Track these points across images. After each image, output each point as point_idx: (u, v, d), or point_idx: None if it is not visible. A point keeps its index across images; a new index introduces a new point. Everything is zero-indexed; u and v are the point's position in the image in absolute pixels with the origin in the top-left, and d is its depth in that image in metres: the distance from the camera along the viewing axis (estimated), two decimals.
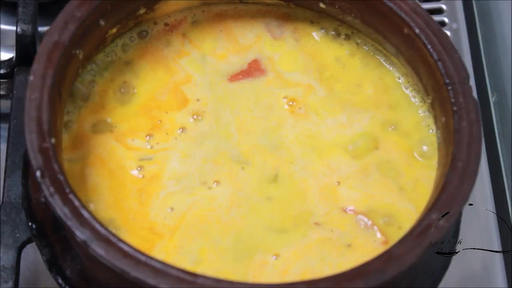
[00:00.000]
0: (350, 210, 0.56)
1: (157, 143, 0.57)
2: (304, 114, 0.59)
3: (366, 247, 0.54)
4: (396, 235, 0.54)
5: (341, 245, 0.54)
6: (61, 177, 0.50)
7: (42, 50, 0.54)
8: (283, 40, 0.63)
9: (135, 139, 0.57)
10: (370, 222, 0.55)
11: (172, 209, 0.55)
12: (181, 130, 0.58)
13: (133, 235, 0.54)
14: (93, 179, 0.56)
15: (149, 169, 0.56)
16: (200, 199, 0.56)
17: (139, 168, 0.56)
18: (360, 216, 0.55)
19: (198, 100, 0.59)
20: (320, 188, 0.56)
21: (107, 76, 0.60)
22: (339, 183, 0.57)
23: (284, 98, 0.60)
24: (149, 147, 0.57)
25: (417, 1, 0.58)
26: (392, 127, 0.59)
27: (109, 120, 0.58)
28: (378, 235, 0.55)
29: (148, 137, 0.58)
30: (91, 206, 0.54)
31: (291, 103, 0.60)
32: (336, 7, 0.61)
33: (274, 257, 0.54)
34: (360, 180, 0.57)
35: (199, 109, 0.59)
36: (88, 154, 0.56)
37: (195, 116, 0.59)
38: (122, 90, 0.59)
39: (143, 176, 0.56)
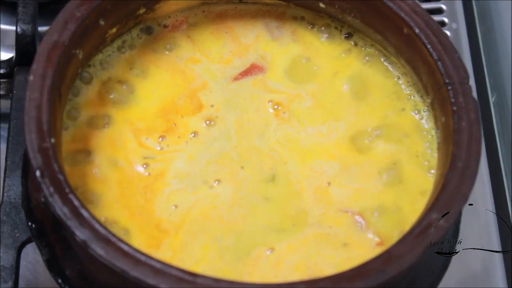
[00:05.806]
0: (345, 211, 0.56)
1: (168, 145, 0.58)
2: (287, 119, 0.59)
3: (361, 246, 0.54)
4: (388, 231, 0.55)
5: (337, 242, 0.54)
6: (60, 177, 0.50)
7: (42, 49, 0.54)
8: (281, 40, 0.63)
9: (148, 138, 0.58)
10: (364, 223, 0.55)
11: (176, 206, 0.55)
12: (193, 134, 0.58)
13: (140, 232, 0.54)
14: (102, 171, 0.56)
15: (155, 166, 0.57)
16: (202, 197, 0.56)
17: (144, 166, 0.57)
18: (356, 217, 0.55)
19: (212, 105, 0.60)
20: (314, 190, 0.57)
21: (112, 73, 0.60)
22: (329, 183, 0.57)
23: (269, 101, 0.60)
24: (159, 148, 0.58)
25: (417, 1, 0.58)
26: (378, 132, 0.59)
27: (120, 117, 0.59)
28: (371, 235, 0.55)
29: (160, 138, 0.58)
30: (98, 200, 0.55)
31: (276, 107, 0.60)
32: (336, 6, 0.61)
33: (269, 250, 0.54)
34: (347, 176, 0.57)
35: (213, 114, 0.59)
36: (103, 141, 0.57)
37: (207, 122, 0.59)
38: (126, 89, 0.60)
39: (149, 174, 0.56)
